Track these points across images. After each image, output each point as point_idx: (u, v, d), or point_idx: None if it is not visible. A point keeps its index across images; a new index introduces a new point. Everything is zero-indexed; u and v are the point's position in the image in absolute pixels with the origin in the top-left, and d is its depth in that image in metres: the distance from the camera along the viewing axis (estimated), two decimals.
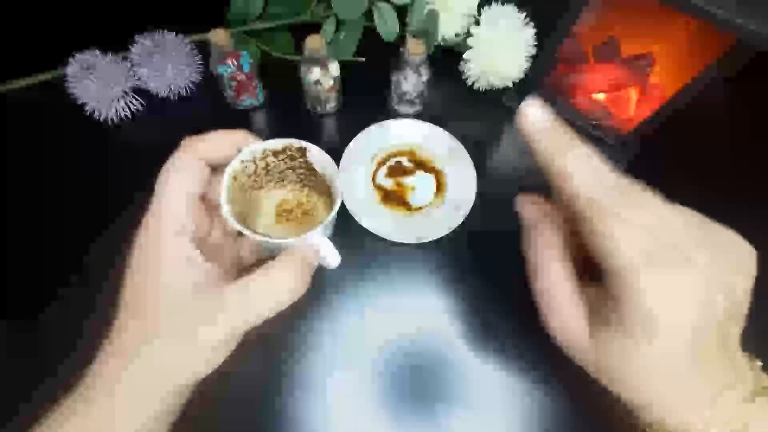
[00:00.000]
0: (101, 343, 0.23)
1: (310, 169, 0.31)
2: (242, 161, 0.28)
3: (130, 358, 0.22)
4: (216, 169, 0.27)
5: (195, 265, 0.24)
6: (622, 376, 0.21)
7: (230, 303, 0.23)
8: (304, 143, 0.29)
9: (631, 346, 0.20)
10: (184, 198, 0.25)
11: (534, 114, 0.21)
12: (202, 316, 0.22)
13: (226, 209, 0.26)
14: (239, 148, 0.27)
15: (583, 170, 0.20)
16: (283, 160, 0.30)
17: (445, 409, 0.35)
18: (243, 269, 0.24)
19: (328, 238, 0.28)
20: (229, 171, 0.27)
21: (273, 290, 0.24)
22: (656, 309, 0.18)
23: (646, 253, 0.18)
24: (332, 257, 0.27)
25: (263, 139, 0.28)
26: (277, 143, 0.29)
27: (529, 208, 0.25)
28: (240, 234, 0.26)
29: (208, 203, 0.27)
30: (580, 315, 0.22)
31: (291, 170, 0.32)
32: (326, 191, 0.31)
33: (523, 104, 0.21)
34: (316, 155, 0.29)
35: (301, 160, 0.30)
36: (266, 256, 0.26)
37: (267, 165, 0.30)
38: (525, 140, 0.21)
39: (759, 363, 0.22)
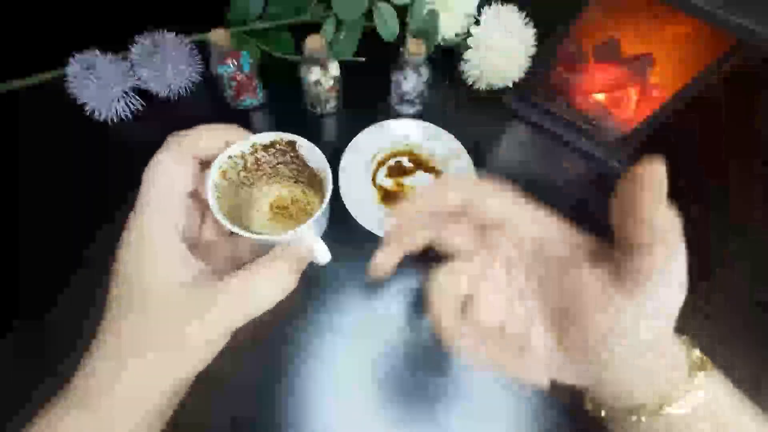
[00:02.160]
0: (91, 344, 0.23)
1: (303, 164, 0.30)
2: (230, 156, 0.27)
3: (123, 356, 0.22)
4: (207, 164, 0.27)
5: (186, 264, 0.23)
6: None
7: (221, 300, 0.23)
8: (293, 137, 0.29)
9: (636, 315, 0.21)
10: (172, 195, 0.24)
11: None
12: (193, 314, 0.22)
13: (214, 206, 0.25)
14: (228, 143, 0.27)
15: None
16: (273, 154, 0.30)
17: (444, 409, 0.35)
18: (238, 266, 0.24)
19: (322, 233, 0.28)
20: (216, 166, 0.26)
21: (263, 287, 0.23)
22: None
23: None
24: (322, 253, 0.26)
25: None
26: (266, 137, 0.28)
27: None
28: (234, 231, 0.26)
29: (199, 200, 0.27)
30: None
31: (283, 165, 0.31)
32: (320, 186, 0.31)
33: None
34: (307, 149, 0.29)
35: (292, 154, 0.30)
36: (261, 253, 0.26)
37: (257, 160, 0.30)
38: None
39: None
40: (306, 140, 0.29)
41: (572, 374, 0.24)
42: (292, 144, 0.29)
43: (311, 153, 0.29)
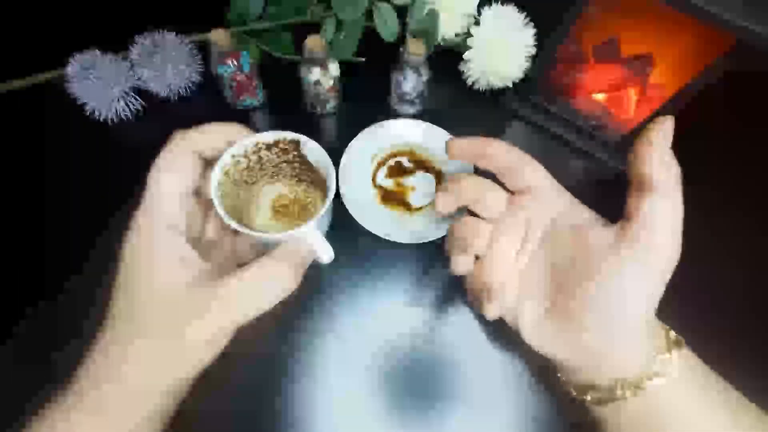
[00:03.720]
0: (92, 343, 0.23)
1: (305, 163, 0.31)
2: (233, 155, 0.27)
3: (122, 357, 0.22)
4: (210, 163, 0.27)
5: (187, 263, 0.23)
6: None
7: (221, 300, 0.23)
8: (296, 135, 0.29)
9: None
10: (176, 194, 0.24)
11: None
12: (192, 314, 0.22)
13: (218, 205, 0.25)
14: (231, 142, 0.27)
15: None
16: (276, 153, 0.30)
17: (445, 409, 0.35)
18: (240, 264, 0.24)
19: (324, 232, 0.28)
20: (219, 165, 0.26)
21: (264, 286, 0.23)
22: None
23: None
24: (324, 252, 0.26)
25: None
26: (269, 136, 0.28)
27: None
28: (237, 230, 0.26)
29: (202, 198, 0.27)
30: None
31: (286, 164, 0.31)
32: (322, 185, 0.31)
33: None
34: (310, 148, 0.29)
35: (295, 153, 0.30)
36: (264, 251, 0.26)
37: (260, 159, 0.30)
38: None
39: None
40: (309, 139, 0.29)
41: (561, 344, 0.27)
42: (295, 143, 0.29)
43: (315, 152, 0.29)
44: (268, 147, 0.29)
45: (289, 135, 0.29)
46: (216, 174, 0.26)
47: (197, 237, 0.26)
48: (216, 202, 0.25)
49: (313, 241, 0.26)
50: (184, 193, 0.25)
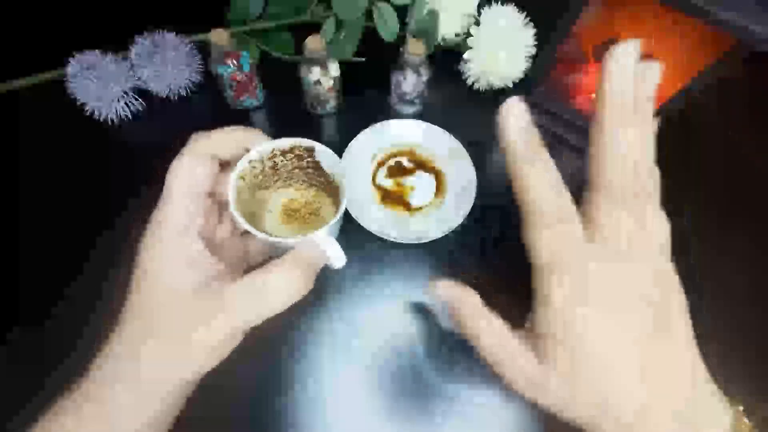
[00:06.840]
0: (103, 343, 0.23)
1: (318, 169, 0.31)
2: (250, 161, 0.28)
3: (129, 357, 0.22)
4: (224, 164, 0.27)
5: (198, 264, 0.23)
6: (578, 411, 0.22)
7: (231, 302, 0.23)
8: (312, 143, 0.29)
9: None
10: (191, 196, 0.24)
11: (516, 114, 0.22)
12: (202, 315, 0.22)
13: (234, 209, 0.26)
14: (248, 148, 0.27)
15: (541, 184, 0.23)
16: (290, 159, 0.30)
17: (444, 409, 0.35)
18: (250, 267, 0.24)
19: (335, 237, 0.28)
20: (236, 171, 0.27)
21: (275, 290, 0.23)
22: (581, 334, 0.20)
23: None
24: (337, 258, 0.27)
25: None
26: (285, 143, 0.29)
27: (445, 290, 0.26)
28: (247, 232, 0.26)
29: (216, 199, 0.27)
30: (532, 358, 0.23)
31: (299, 170, 0.32)
32: (333, 191, 0.31)
33: (507, 103, 0.22)
34: (324, 155, 0.29)
35: (308, 159, 0.30)
36: (273, 254, 0.26)
37: (275, 164, 0.30)
38: (500, 137, 0.22)
39: (740, 407, 0.21)
40: (324, 146, 0.29)
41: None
42: (310, 150, 0.29)
43: (328, 158, 0.29)
44: (283, 153, 0.29)
45: (305, 142, 0.29)
46: (233, 180, 0.26)
47: (210, 237, 0.26)
48: (234, 209, 0.26)
49: (326, 247, 0.26)
50: (200, 194, 0.25)
